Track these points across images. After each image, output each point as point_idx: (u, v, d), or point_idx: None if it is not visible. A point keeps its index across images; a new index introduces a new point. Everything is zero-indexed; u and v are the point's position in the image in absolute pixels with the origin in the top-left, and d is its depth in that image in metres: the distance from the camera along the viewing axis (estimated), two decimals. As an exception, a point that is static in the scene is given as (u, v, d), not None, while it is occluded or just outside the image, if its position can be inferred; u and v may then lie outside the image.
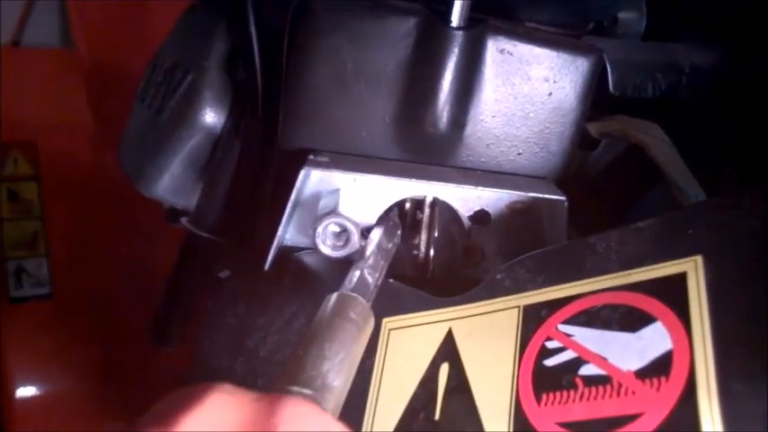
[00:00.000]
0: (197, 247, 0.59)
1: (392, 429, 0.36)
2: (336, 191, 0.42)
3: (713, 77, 0.50)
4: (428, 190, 0.43)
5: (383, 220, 0.43)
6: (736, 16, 0.50)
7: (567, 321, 0.34)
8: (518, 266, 0.37)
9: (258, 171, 0.48)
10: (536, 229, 0.43)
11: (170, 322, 0.64)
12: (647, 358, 0.30)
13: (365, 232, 0.41)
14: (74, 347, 1.02)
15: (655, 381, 0.29)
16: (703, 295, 0.30)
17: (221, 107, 0.49)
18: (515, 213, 0.43)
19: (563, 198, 0.43)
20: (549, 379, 0.32)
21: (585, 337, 0.32)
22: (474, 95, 0.44)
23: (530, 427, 0.32)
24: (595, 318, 0.33)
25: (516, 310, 0.36)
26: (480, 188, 0.43)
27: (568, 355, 0.33)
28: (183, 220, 0.52)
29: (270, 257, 0.43)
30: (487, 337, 0.36)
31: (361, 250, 0.39)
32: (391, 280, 0.41)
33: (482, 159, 0.45)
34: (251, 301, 0.48)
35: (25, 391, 1.00)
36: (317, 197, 0.43)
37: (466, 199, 0.43)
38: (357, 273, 0.36)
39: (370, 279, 0.36)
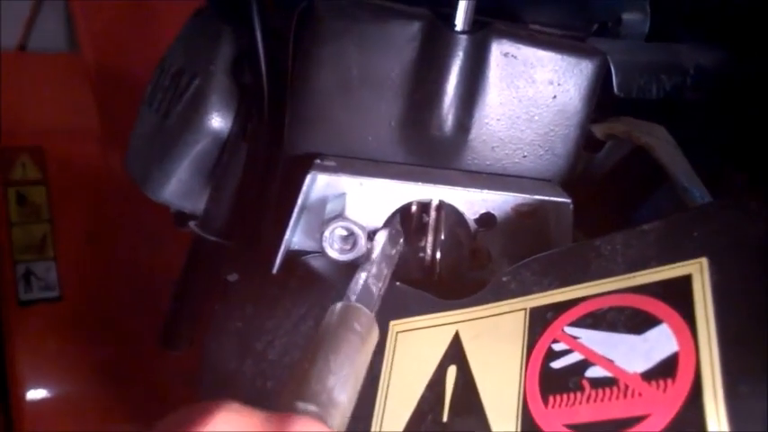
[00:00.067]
0: (205, 251, 0.59)
1: (400, 431, 0.36)
2: (343, 195, 0.42)
3: (718, 78, 0.50)
4: (434, 193, 0.43)
5: (387, 225, 0.43)
6: (737, 16, 0.50)
7: (574, 324, 0.34)
8: (524, 269, 0.37)
9: (265, 175, 0.48)
10: (542, 232, 0.44)
11: (178, 325, 0.65)
12: (653, 360, 0.30)
13: (372, 236, 0.41)
14: (83, 350, 1.02)
15: (661, 382, 0.29)
16: (709, 297, 0.30)
17: (228, 111, 0.49)
18: (521, 216, 0.44)
19: (568, 200, 0.43)
20: (556, 381, 0.33)
21: (592, 339, 0.33)
22: (479, 99, 0.44)
23: (537, 429, 0.32)
24: (601, 320, 0.33)
25: (523, 312, 0.36)
26: (486, 191, 0.43)
27: (575, 357, 0.33)
28: (191, 223, 0.52)
29: (277, 261, 0.43)
30: (494, 340, 0.36)
31: (367, 254, 0.39)
32: (398, 283, 0.41)
33: (487, 162, 0.45)
34: (259, 305, 0.48)
35: (35, 394, 1.00)
36: (323, 201, 0.43)
37: (472, 202, 0.43)
38: (361, 282, 0.36)
39: (374, 288, 0.36)
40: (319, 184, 0.42)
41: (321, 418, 0.26)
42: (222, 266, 0.55)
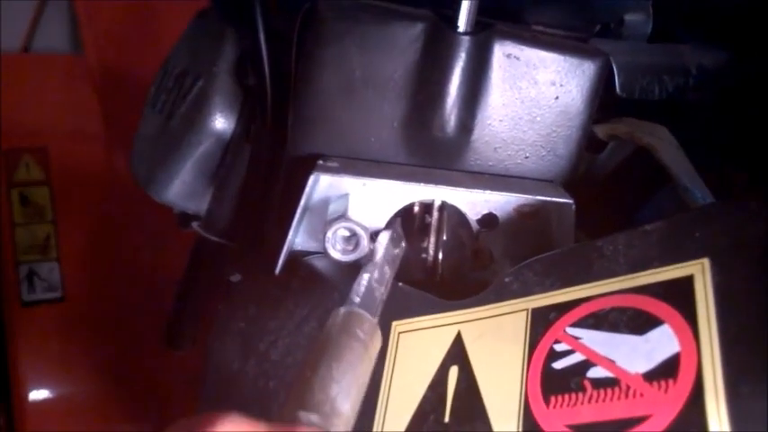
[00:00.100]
0: (208, 252, 0.60)
1: (402, 431, 0.36)
2: (346, 195, 0.43)
3: (720, 79, 0.50)
4: (436, 194, 0.43)
5: (390, 227, 0.43)
6: (737, 16, 0.50)
7: (576, 324, 0.34)
8: (526, 269, 0.37)
9: (268, 176, 0.49)
10: (544, 232, 0.44)
11: (181, 325, 0.65)
12: (654, 361, 0.30)
13: (374, 236, 0.42)
14: (85, 350, 1.03)
15: (662, 383, 0.30)
16: (710, 298, 0.30)
17: (231, 113, 0.49)
18: (523, 216, 0.44)
19: (570, 201, 0.43)
20: (558, 381, 0.33)
21: (593, 339, 0.33)
22: (481, 100, 0.44)
23: (538, 429, 0.32)
24: (603, 321, 0.33)
25: (525, 313, 0.36)
26: (488, 192, 0.43)
27: (577, 357, 0.33)
28: (194, 224, 0.52)
29: (280, 261, 0.44)
30: (496, 340, 0.36)
31: (370, 256, 0.39)
32: (400, 283, 0.41)
33: (489, 163, 0.46)
34: (262, 305, 0.49)
35: (37, 394, 1.00)
36: (326, 202, 0.43)
37: (474, 202, 0.44)
38: (364, 283, 0.36)
39: (376, 294, 0.36)
40: (322, 185, 0.43)
41: (324, 427, 0.26)
42: (225, 267, 0.55)
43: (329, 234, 0.41)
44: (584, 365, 0.32)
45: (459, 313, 0.38)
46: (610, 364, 0.31)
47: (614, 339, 0.32)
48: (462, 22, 0.43)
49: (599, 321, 0.33)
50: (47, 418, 1.00)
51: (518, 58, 0.44)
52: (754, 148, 0.49)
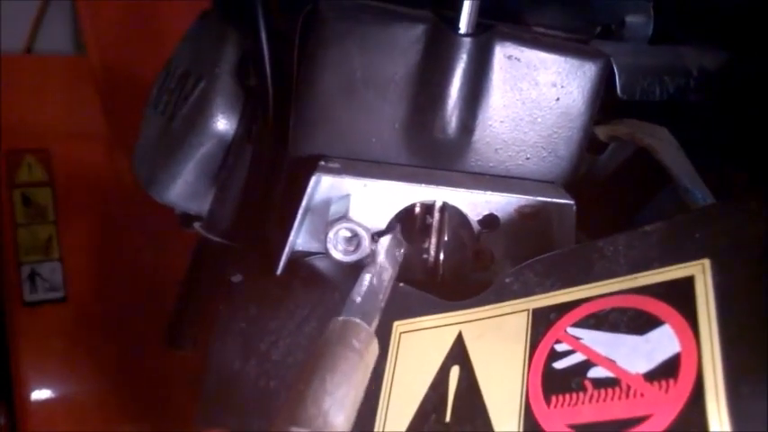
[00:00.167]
0: (209, 252, 0.60)
1: (403, 431, 0.36)
2: (347, 196, 0.43)
3: (721, 80, 0.50)
4: (438, 195, 0.43)
5: (390, 229, 0.43)
6: (738, 17, 0.50)
7: (576, 324, 0.34)
8: (527, 270, 0.38)
9: (270, 177, 0.49)
10: (545, 233, 0.44)
11: (183, 326, 0.65)
12: (655, 361, 0.30)
13: (376, 237, 0.42)
14: (87, 351, 1.03)
15: (663, 383, 0.30)
16: (711, 298, 0.30)
17: (233, 113, 0.49)
18: (524, 217, 0.44)
19: (571, 202, 0.43)
20: (559, 381, 0.33)
21: (594, 339, 0.33)
22: (482, 101, 0.44)
23: (539, 429, 0.32)
24: (604, 321, 0.33)
25: (525, 313, 0.36)
26: (489, 192, 0.43)
27: (577, 357, 0.33)
28: (196, 225, 0.52)
29: (282, 262, 0.44)
30: (497, 340, 0.36)
31: (372, 257, 0.39)
32: (401, 284, 0.41)
33: (490, 164, 0.46)
34: (263, 305, 0.49)
35: (39, 394, 1.01)
36: (327, 203, 0.43)
37: (475, 203, 0.44)
38: (364, 287, 0.36)
39: (378, 294, 0.36)
40: (323, 186, 0.43)
41: None
42: (227, 267, 0.55)
43: (330, 235, 0.41)
44: (585, 365, 0.32)
45: (460, 313, 0.38)
46: (610, 364, 0.32)
47: (615, 339, 0.32)
48: (463, 24, 0.43)
49: (600, 322, 0.33)
50: (49, 417, 1.01)
51: (519, 60, 0.44)
52: (754, 148, 0.49)
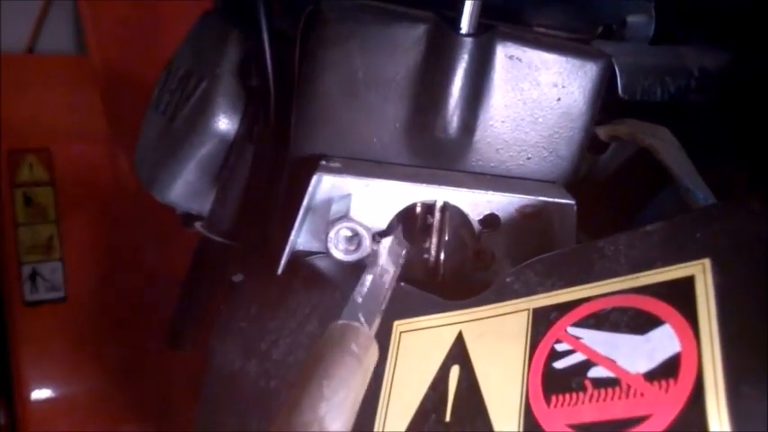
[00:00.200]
0: (211, 252, 0.60)
1: (403, 430, 0.36)
2: (348, 196, 0.43)
3: (722, 80, 0.50)
4: (439, 194, 0.43)
5: (391, 228, 0.43)
6: (738, 17, 0.50)
7: (577, 324, 0.34)
8: (528, 270, 0.38)
9: (271, 176, 0.49)
10: (545, 233, 0.44)
11: (184, 326, 0.65)
12: (655, 360, 0.30)
13: (377, 236, 0.42)
14: (88, 350, 1.03)
15: (663, 383, 0.30)
16: (711, 298, 0.30)
17: (234, 114, 0.49)
18: (525, 217, 0.44)
19: (572, 202, 0.43)
20: (559, 381, 0.33)
21: (594, 339, 0.33)
22: (483, 101, 0.44)
23: (539, 429, 0.32)
24: (604, 320, 0.33)
25: (526, 312, 0.36)
26: (490, 192, 0.43)
27: (578, 357, 0.33)
28: (198, 224, 0.52)
29: (283, 262, 0.44)
30: (497, 340, 0.36)
31: (373, 258, 0.39)
32: (402, 283, 0.41)
33: (491, 164, 0.46)
34: (263, 305, 0.49)
35: (40, 393, 1.01)
36: (329, 202, 0.43)
37: (476, 203, 0.44)
38: (366, 287, 0.36)
39: (379, 294, 0.36)
40: (325, 186, 0.43)
41: None
42: (228, 267, 0.56)
43: (332, 234, 0.41)
44: (585, 365, 0.32)
45: (460, 313, 0.38)
46: (611, 363, 0.32)
47: (615, 339, 0.32)
48: (465, 24, 0.43)
49: (600, 321, 0.33)
50: (49, 417, 1.01)
51: (520, 60, 0.44)
52: (754, 148, 0.49)
